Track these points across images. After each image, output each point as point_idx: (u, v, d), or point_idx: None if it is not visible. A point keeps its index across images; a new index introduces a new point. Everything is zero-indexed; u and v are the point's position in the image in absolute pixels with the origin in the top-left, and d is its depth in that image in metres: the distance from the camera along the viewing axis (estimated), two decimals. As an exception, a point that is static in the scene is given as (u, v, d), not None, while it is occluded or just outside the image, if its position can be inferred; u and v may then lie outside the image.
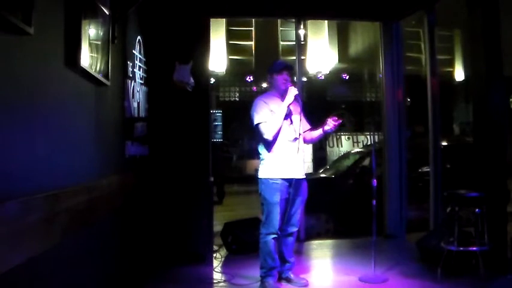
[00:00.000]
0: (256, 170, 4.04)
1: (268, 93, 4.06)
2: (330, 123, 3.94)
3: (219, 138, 15.65)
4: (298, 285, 3.98)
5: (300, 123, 3.92)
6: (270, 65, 4.14)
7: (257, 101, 3.96)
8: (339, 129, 14.01)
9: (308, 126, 4.13)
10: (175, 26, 4.87)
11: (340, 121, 3.98)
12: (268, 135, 3.82)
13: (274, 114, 3.84)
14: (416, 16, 5.99)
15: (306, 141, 4.13)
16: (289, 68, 4.02)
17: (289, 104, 3.85)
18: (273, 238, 3.84)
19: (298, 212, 3.98)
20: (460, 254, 4.01)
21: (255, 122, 3.86)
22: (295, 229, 4.01)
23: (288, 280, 4.02)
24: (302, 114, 4.02)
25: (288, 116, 3.89)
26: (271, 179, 3.84)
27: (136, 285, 3.93)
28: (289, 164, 3.83)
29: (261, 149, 3.94)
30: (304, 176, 3.97)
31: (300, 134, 3.93)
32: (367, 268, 4.17)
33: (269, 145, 3.87)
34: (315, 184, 6.73)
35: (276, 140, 3.84)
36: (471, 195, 4.07)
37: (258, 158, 4.00)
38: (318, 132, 4.07)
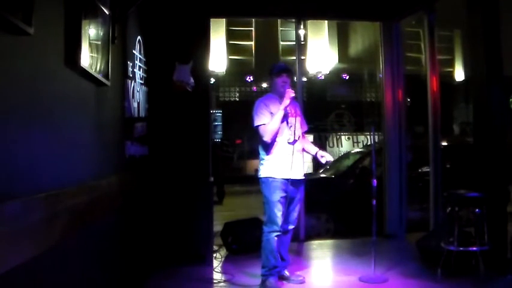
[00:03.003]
0: (256, 171, 4.07)
1: (269, 95, 4.11)
2: (324, 159, 4.00)
3: (219, 138, 15.66)
4: (295, 283, 4.02)
5: (297, 125, 3.97)
6: (270, 67, 4.20)
7: (258, 103, 4.01)
8: (339, 129, 14.09)
9: (305, 127, 4.19)
10: (175, 26, 4.88)
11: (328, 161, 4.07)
12: (266, 137, 3.88)
13: (272, 117, 3.89)
14: (416, 16, 5.99)
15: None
16: (288, 71, 4.06)
17: (287, 107, 3.89)
18: (276, 236, 3.87)
19: (296, 210, 4.05)
20: (460, 254, 4.01)
21: (255, 124, 3.94)
22: (292, 227, 4.06)
23: (285, 278, 4.04)
24: (300, 115, 4.07)
25: (286, 118, 3.94)
26: (271, 177, 3.89)
27: (137, 285, 3.93)
28: (288, 165, 3.86)
29: (261, 150, 4.01)
30: (303, 177, 4.02)
31: (299, 136, 3.98)
32: (367, 268, 4.17)
33: (268, 147, 3.94)
34: (315, 184, 6.74)
35: (274, 142, 3.91)
36: (471, 195, 4.07)
37: (259, 158, 4.05)
38: (312, 150, 4.13)
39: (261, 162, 4.00)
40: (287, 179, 3.87)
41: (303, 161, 4.06)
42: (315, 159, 4.21)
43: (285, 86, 3.95)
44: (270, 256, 3.86)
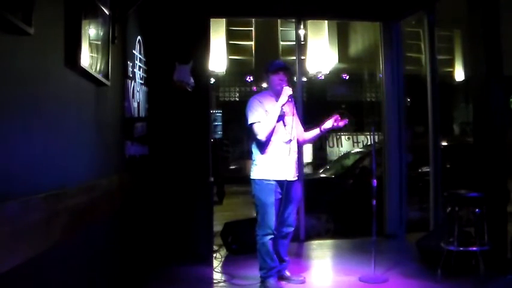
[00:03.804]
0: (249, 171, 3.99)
1: (264, 93, 4.03)
2: (330, 123, 3.93)
3: (219, 138, 15.65)
4: (295, 283, 4.00)
5: (293, 124, 3.89)
6: (267, 64, 4.10)
7: (252, 100, 3.92)
8: (339, 129, 14.08)
9: (301, 127, 4.10)
10: (175, 26, 4.88)
11: (346, 121, 3.95)
12: (261, 135, 3.78)
13: (268, 115, 3.80)
14: (416, 16, 5.99)
15: (300, 143, 4.11)
16: (285, 69, 3.96)
17: (283, 105, 3.82)
18: (270, 238, 3.82)
19: (293, 213, 3.99)
20: (460, 254, 4.00)
21: (249, 122, 3.83)
22: (291, 229, 4.01)
23: (285, 278, 4.03)
24: (296, 115, 3.99)
25: (282, 117, 3.86)
26: (265, 180, 3.81)
27: (137, 285, 3.93)
28: (282, 166, 3.80)
29: (254, 150, 3.91)
30: (296, 178, 3.93)
31: (294, 136, 3.91)
32: (367, 268, 4.17)
33: (262, 146, 3.83)
34: (315, 184, 6.75)
35: (269, 141, 3.81)
36: (471, 195, 4.07)
37: (250, 158, 3.96)
38: (315, 132, 4.06)
39: (254, 162, 3.90)
40: (281, 181, 3.79)
41: (297, 161, 3.97)
42: (323, 134, 4.10)
43: (281, 84, 3.86)
44: (266, 258, 3.83)
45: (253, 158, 3.93)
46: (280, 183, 3.81)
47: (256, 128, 3.80)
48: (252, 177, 3.90)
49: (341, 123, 3.96)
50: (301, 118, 4.23)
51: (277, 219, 3.83)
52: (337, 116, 3.94)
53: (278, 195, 3.82)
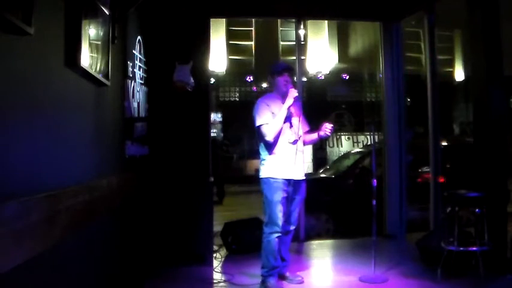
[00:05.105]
0: (257, 170, 4.08)
1: (270, 95, 4.10)
2: (325, 130, 3.96)
3: (219, 137, 15.66)
4: (294, 282, 4.03)
5: (299, 125, 3.96)
6: (270, 65, 4.20)
7: (260, 103, 3.99)
8: (339, 129, 14.08)
9: (306, 127, 4.17)
10: (175, 26, 4.88)
11: (332, 126, 3.97)
12: (269, 137, 3.86)
13: (275, 116, 3.88)
14: (416, 16, 5.99)
15: (303, 143, 4.14)
16: (290, 70, 4.08)
17: (290, 106, 3.88)
18: (277, 237, 3.86)
19: (296, 211, 4.05)
20: (460, 254, 4.01)
21: (257, 124, 3.91)
22: (293, 227, 4.06)
23: (284, 278, 4.06)
24: (301, 115, 4.06)
25: (289, 118, 3.93)
26: (272, 178, 3.88)
27: (137, 285, 3.93)
28: (289, 165, 3.86)
29: (262, 150, 3.99)
30: (304, 177, 4.02)
31: (300, 136, 3.97)
32: (367, 268, 4.17)
33: (270, 147, 3.91)
34: (315, 184, 6.75)
35: (276, 142, 3.89)
36: (471, 195, 4.07)
37: (259, 158, 4.04)
38: (314, 136, 4.10)
39: (262, 162, 3.99)
40: (288, 179, 3.87)
41: (303, 161, 4.05)
42: (321, 139, 4.11)
43: (287, 85, 3.95)
44: (270, 257, 3.86)
45: (261, 158, 4.01)
46: (288, 182, 3.87)
47: (264, 130, 3.88)
48: (260, 176, 3.98)
49: (329, 127, 3.97)
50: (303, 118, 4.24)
51: (284, 217, 3.88)
52: (324, 124, 3.99)
53: (285, 194, 3.87)
